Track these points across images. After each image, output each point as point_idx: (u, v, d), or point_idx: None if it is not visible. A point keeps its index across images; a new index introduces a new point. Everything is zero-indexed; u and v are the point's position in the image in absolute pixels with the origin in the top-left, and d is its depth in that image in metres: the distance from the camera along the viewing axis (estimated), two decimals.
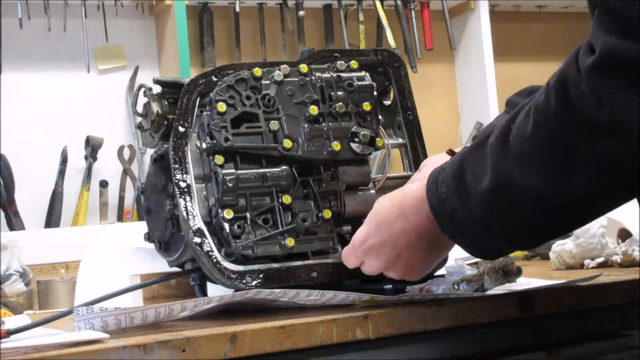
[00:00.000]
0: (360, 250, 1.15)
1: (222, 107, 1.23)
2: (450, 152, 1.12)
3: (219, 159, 1.21)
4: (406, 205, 1.10)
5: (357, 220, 1.27)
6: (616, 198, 0.99)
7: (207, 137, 1.22)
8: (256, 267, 1.19)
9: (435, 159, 1.30)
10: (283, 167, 1.24)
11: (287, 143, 1.23)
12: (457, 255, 1.29)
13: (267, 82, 1.26)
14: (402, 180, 1.33)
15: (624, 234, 1.59)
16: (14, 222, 2.27)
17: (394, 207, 1.12)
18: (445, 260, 1.28)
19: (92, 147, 2.42)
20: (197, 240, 1.18)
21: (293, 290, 1.13)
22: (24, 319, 1.36)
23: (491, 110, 2.80)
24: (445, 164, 1.07)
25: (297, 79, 1.28)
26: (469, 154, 1.03)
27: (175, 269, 1.34)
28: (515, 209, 0.99)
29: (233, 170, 1.21)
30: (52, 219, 2.36)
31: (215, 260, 1.18)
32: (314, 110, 1.25)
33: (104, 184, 2.45)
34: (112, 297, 1.14)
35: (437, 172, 1.07)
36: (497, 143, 0.99)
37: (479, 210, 1.01)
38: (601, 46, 0.86)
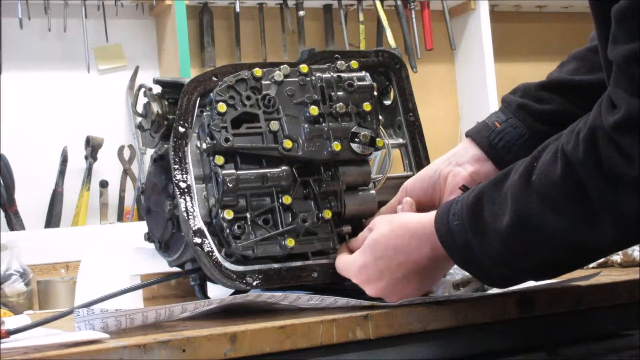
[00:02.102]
0: (358, 279, 1.16)
1: (222, 107, 1.23)
2: (464, 188, 1.13)
3: (219, 160, 1.21)
4: (407, 241, 1.11)
5: (357, 221, 1.27)
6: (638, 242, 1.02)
7: (207, 138, 1.22)
8: (256, 267, 1.19)
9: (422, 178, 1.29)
10: (283, 168, 1.23)
11: (288, 143, 1.23)
12: None
13: (267, 82, 1.26)
14: (403, 180, 1.33)
15: None
16: (14, 222, 2.28)
17: (391, 243, 1.12)
18: None
19: (92, 147, 2.43)
20: (198, 240, 1.18)
21: (294, 294, 1.13)
22: (24, 319, 1.36)
23: (491, 110, 2.79)
24: (458, 198, 1.08)
25: (297, 79, 1.27)
26: (487, 190, 1.04)
27: (176, 269, 1.34)
28: (537, 249, 1.00)
29: (233, 171, 1.21)
30: (52, 219, 2.36)
31: (215, 260, 1.18)
32: (314, 110, 1.25)
33: (104, 184, 2.45)
34: (112, 297, 1.14)
35: (449, 204, 1.08)
36: (519, 180, 1.00)
37: (497, 247, 1.02)
38: (624, 106, 0.90)
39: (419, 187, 1.26)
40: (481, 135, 1.26)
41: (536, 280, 1.14)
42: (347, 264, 1.18)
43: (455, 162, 1.25)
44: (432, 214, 1.10)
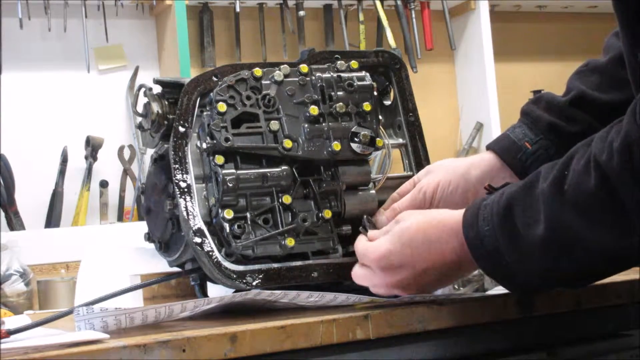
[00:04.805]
0: (378, 264, 1.12)
1: (222, 107, 1.23)
2: (490, 188, 1.10)
3: (219, 159, 1.21)
4: (434, 233, 1.09)
5: (357, 221, 1.27)
6: None
7: (207, 137, 1.22)
8: (256, 267, 1.19)
9: (446, 167, 1.26)
10: (283, 167, 1.24)
11: (287, 143, 1.23)
12: None
13: (268, 82, 1.26)
14: (403, 180, 1.33)
15: None
16: (14, 222, 2.28)
17: (421, 232, 1.10)
18: None
19: (92, 147, 2.43)
20: (198, 240, 1.18)
21: (293, 291, 1.13)
22: (24, 319, 1.36)
23: (491, 110, 2.80)
24: (487, 201, 1.05)
25: (297, 79, 1.28)
26: (517, 196, 1.02)
27: (176, 269, 1.34)
28: (572, 259, 0.99)
29: (233, 170, 1.21)
30: (52, 219, 2.36)
31: (215, 260, 1.18)
32: (314, 110, 1.25)
33: (104, 184, 2.45)
34: (112, 297, 1.14)
35: (477, 207, 1.05)
36: (550, 189, 0.98)
37: (530, 257, 1.00)
38: None
39: (449, 196, 1.24)
40: (511, 156, 1.25)
41: (566, 288, 1.13)
42: (367, 247, 1.14)
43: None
44: (462, 212, 1.08)
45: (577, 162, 0.98)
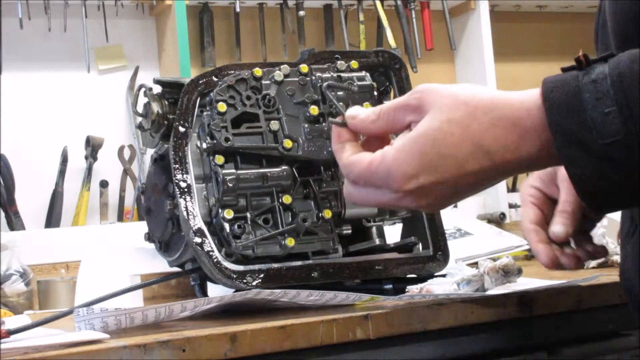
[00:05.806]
0: (402, 188, 0.79)
1: (222, 107, 1.23)
2: (586, 59, 0.74)
3: (219, 159, 1.21)
4: (492, 137, 0.76)
5: (357, 221, 1.27)
6: None
7: (208, 137, 1.22)
8: (256, 267, 1.19)
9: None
10: (283, 167, 1.24)
11: (288, 143, 1.24)
12: (457, 255, 1.29)
13: (268, 82, 1.27)
14: None
15: None
16: (14, 222, 2.27)
17: (468, 139, 0.76)
18: (446, 261, 1.29)
19: (92, 147, 2.42)
20: (198, 240, 1.18)
21: (293, 290, 1.13)
22: (24, 319, 1.36)
23: None
24: (593, 75, 0.73)
25: (297, 79, 1.28)
26: None
27: (176, 269, 1.34)
28: None
29: (233, 170, 1.21)
30: (52, 219, 2.36)
31: (215, 260, 1.18)
32: (314, 110, 1.25)
33: (104, 184, 2.45)
34: (112, 297, 1.14)
35: (572, 88, 0.72)
36: None
37: None
38: None
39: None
40: None
41: None
42: (376, 165, 0.80)
43: None
44: (534, 94, 0.76)
45: None
